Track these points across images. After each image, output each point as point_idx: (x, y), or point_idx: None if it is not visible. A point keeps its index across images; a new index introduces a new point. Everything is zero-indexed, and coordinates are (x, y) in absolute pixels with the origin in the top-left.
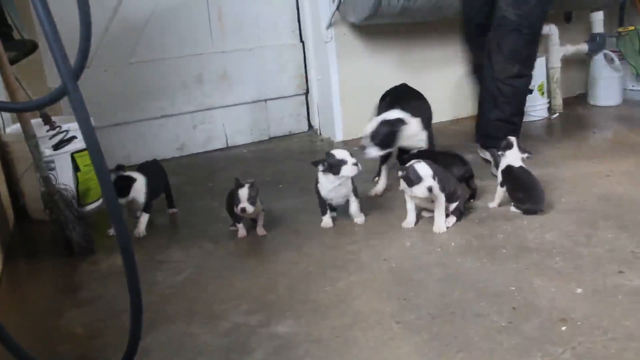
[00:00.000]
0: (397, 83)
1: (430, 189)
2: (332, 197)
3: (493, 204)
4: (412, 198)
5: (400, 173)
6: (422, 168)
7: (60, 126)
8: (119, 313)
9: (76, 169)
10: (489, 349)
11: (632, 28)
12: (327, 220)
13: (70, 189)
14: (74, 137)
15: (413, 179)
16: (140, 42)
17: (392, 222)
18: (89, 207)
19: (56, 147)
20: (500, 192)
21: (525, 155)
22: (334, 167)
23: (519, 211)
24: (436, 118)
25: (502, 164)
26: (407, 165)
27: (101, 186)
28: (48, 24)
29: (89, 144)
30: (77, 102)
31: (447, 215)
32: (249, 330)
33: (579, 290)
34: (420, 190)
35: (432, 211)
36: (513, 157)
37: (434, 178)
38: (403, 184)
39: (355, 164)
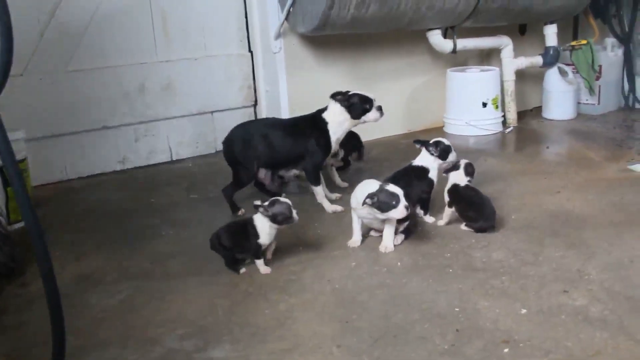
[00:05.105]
0: None
1: (408, 208)
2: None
3: (442, 222)
4: (359, 217)
5: (369, 200)
6: (395, 189)
7: None
8: (45, 340)
9: (5, 183)
10: None
11: (584, 42)
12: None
13: None
14: None
15: (390, 203)
16: (79, 49)
17: (338, 241)
18: (20, 225)
19: None
20: (448, 211)
21: (468, 179)
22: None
23: (470, 229)
24: (388, 132)
25: (449, 184)
26: (375, 191)
27: (19, 206)
28: None
29: (5, 160)
30: None
31: (395, 233)
32: (185, 355)
33: (524, 311)
34: (399, 213)
35: (380, 230)
36: (458, 178)
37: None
38: (357, 205)
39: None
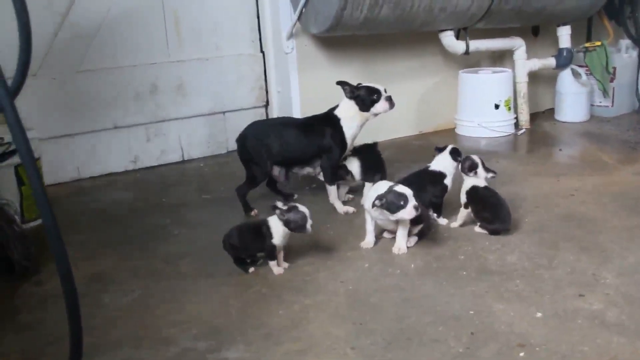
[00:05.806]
0: None
1: (417, 208)
2: None
3: (455, 224)
4: (373, 218)
5: (378, 202)
6: (404, 189)
7: (2, 138)
8: (60, 339)
9: (20, 182)
10: None
11: (598, 43)
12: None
13: (12, 204)
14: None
15: (398, 203)
16: (91, 49)
17: (351, 242)
18: (34, 223)
19: None
20: (464, 212)
21: (490, 175)
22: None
23: (483, 231)
24: (400, 133)
25: (467, 185)
26: (383, 192)
27: (38, 205)
28: None
29: (25, 161)
30: (13, 120)
31: (408, 235)
32: (198, 356)
33: (539, 315)
34: (408, 213)
35: (393, 232)
36: (479, 178)
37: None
38: (368, 207)
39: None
